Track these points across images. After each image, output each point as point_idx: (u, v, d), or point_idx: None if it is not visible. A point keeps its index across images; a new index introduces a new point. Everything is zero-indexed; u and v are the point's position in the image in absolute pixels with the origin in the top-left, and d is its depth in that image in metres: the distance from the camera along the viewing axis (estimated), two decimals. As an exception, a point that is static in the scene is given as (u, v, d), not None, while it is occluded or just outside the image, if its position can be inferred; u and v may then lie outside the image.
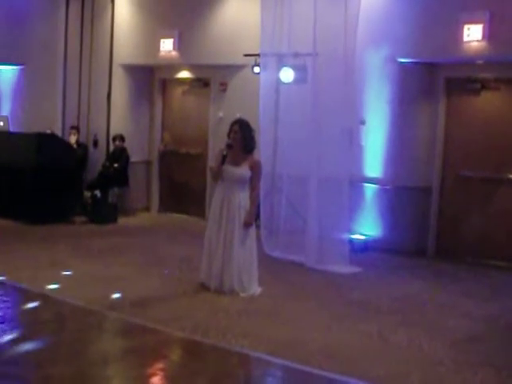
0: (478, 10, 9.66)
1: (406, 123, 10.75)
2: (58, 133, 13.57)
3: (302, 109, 10.07)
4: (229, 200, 7.98)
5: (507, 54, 9.60)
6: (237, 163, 8.00)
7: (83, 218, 12.53)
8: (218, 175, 8.09)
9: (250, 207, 8.02)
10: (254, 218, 8.09)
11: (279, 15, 10.26)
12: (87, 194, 13.09)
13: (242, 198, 7.99)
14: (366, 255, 10.38)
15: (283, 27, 10.24)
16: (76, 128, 13.83)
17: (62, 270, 8.80)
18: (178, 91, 14.12)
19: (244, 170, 7.99)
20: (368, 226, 10.88)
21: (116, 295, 7.75)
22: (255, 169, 8.06)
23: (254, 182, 8.07)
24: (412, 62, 10.62)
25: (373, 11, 10.42)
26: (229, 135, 8.10)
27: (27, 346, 6.06)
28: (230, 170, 7.98)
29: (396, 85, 10.70)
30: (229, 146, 7.98)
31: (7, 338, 6.25)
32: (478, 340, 6.84)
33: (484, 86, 10.39)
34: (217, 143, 11.80)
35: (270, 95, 10.64)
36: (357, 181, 10.64)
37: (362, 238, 10.78)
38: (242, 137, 8.01)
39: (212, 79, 13.26)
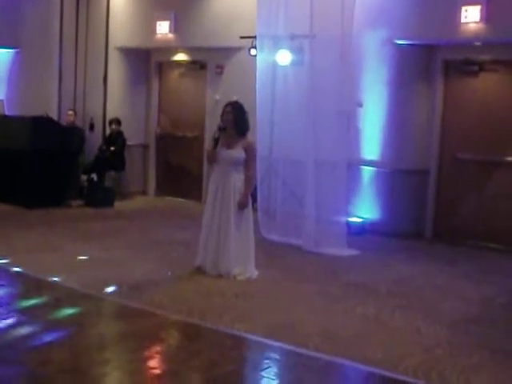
0: (476, -9, 9.62)
1: (404, 105, 10.72)
2: (54, 116, 13.51)
3: (299, 91, 10.04)
4: (224, 183, 7.96)
5: (505, 36, 9.55)
6: (230, 146, 7.98)
7: (80, 202, 12.52)
8: (212, 158, 8.07)
9: (245, 189, 7.98)
10: (248, 199, 8.05)
11: (276, -3, 10.19)
12: (84, 177, 13.07)
13: (237, 180, 7.96)
14: (364, 238, 10.37)
15: (280, 9, 10.16)
16: (73, 110, 13.79)
17: (59, 254, 8.79)
18: (174, 74, 14.07)
19: (238, 152, 7.96)
20: (365, 209, 10.87)
21: (113, 278, 7.74)
22: (249, 150, 8.03)
23: (248, 163, 8.04)
24: (409, 44, 10.57)
25: (370, -7, 10.37)
26: (222, 117, 8.09)
27: (24, 331, 6.06)
28: (223, 152, 7.96)
29: (393, 67, 10.66)
30: (220, 129, 7.97)
31: (4, 322, 6.25)
32: (475, 322, 6.84)
33: (482, 67, 10.35)
34: (213, 126, 11.65)
35: (267, 78, 10.58)
36: (354, 164, 10.61)
37: (360, 220, 10.77)
38: (234, 119, 7.98)
39: (208, 62, 13.20)
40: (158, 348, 5.97)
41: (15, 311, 6.65)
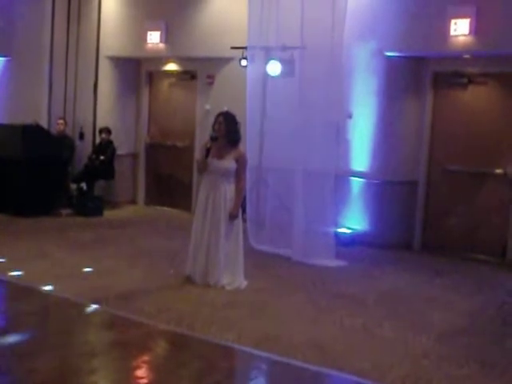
0: (465, 5, 9.67)
1: (393, 117, 10.76)
2: (44, 125, 13.49)
3: (289, 102, 10.05)
4: (214, 193, 7.97)
5: (494, 49, 9.62)
6: (222, 156, 7.99)
7: (69, 211, 12.48)
8: (203, 168, 8.07)
9: (236, 199, 8.01)
10: (239, 210, 8.08)
11: (267, 8, 10.21)
12: (73, 186, 13.05)
13: (228, 190, 7.98)
14: (353, 249, 10.38)
15: (271, 20, 10.19)
16: (63, 119, 13.78)
17: (48, 263, 8.77)
18: (164, 84, 14.08)
19: (229, 163, 7.98)
20: (354, 220, 10.89)
21: (101, 287, 7.72)
22: (240, 161, 8.05)
23: (239, 174, 8.07)
24: (399, 56, 10.63)
25: (360, 5, 10.40)
26: (213, 127, 8.09)
27: (12, 339, 6.04)
28: (215, 162, 7.96)
29: (383, 79, 10.70)
30: (212, 139, 7.97)
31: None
32: (463, 334, 6.86)
33: (471, 80, 10.42)
34: (204, 136, 11.71)
35: (257, 88, 10.60)
36: (343, 174, 10.64)
37: (349, 231, 10.78)
38: (226, 129, 8.00)
39: (199, 72, 13.22)
40: (146, 357, 5.96)
41: (3, 319, 6.63)
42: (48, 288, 7.65)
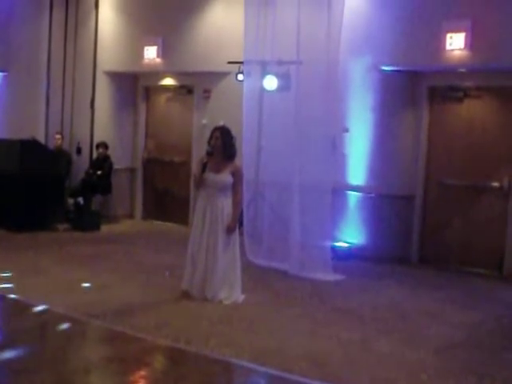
0: (460, 19, 9.73)
1: (389, 131, 10.79)
2: (41, 140, 13.52)
3: (286, 116, 10.09)
4: (211, 207, 7.98)
5: (489, 63, 9.68)
6: (218, 170, 8.01)
7: (66, 226, 12.48)
8: (200, 183, 8.09)
9: (233, 213, 8.02)
10: (236, 223, 8.09)
11: (263, 23, 10.26)
12: (70, 201, 13.05)
13: (225, 204, 7.99)
14: (350, 263, 10.38)
15: (267, 35, 10.24)
16: (61, 134, 13.81)
17: (45, 278, 8.76)
18: (161, 98, 14.12)
19: (225, 177, 7.99)
20: (351, 234, 10.90)
21: (98, 302, 7.71)
22: (237, 175, 8.07)
23: (236, 187, 8.08)
24: (395, 71, 10.67)
25: (356, 20, 10.45)
26: (209, 142, 8.11)
27: (9, 355, 6.02)
28: (211, 177, 7.98)
29: (379, 93, 10.75)
30: (209, 154, 7.99)
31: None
32: (461, 347, 6.86)
33: (466, 94, 10.46)
34: (200, 150, 11.75)
35: (254, 103, 10.65)
36: (340, 188, 10.66)
37: (346, 245, 10.79)
38: (223, 143, 8.02)
39: (196, 86, 13.27)
40: (143, 373, 5.94)
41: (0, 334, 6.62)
42: (44, 303, 7.62)
